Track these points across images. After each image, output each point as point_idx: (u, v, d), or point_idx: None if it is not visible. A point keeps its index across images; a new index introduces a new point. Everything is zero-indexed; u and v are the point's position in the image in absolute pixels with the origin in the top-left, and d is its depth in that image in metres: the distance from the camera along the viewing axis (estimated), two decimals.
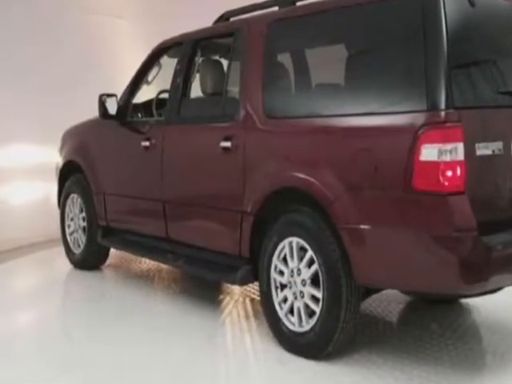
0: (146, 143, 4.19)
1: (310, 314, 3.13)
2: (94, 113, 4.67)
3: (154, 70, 4.49)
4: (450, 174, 2.63)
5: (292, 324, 3.22)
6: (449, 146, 2.64)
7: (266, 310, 3.38)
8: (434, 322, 3.71)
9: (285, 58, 3.72)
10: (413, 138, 2.69)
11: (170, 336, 3.55)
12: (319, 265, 3.04)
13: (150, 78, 4.53)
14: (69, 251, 5.17)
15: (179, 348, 3.37)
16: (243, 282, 3.58)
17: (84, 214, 4.96)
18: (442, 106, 2.66)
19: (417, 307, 4.03)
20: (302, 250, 3.16)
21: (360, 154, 2.88)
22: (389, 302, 4.02)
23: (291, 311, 3.22)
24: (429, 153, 2.65)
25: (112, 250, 5.05)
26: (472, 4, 2.85)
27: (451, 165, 2.64)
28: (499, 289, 3.37)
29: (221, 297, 4.29)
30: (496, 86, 2.93)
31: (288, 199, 3.26)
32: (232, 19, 4.06)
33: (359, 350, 3.22)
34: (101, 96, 4.47)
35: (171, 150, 4.04)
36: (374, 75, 2.96)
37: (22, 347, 3.55)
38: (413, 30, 2.80)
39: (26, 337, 3.75)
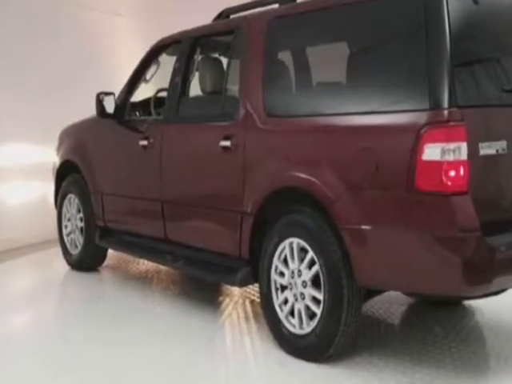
0: (145, 142, 4.17)
1: (311, 315, 3.11)
2: (91, 111, 4.63)
3: (153, 68, 4.47)
4: (453, 173, 2.61)
5: (292, 326, 3.19)
6: (452, 146, 2.61)
7: (266, 312, 3.36)
8: (437, 324, 3.69)
9: (285, 56, 3.70)
10: (415, 137, 2.66)
11: (168, 338, 3.53)
12: (320, 266, 3.02)
13: (148, 76, 4.50)
14: (66, 252, 5.13)
15: (178, 350, 3.35)
16: (243, 284, 3.55)
17: (81, 215, 4.93)
18: (445, 104, 2.63)
19: (419, 309, 4.00)
20: (303, 250, 3.14)
21: (362, 154, 2.85)
22: (391, 304, 4.00)
23: (292, 313, 3.20)
24: (431, 152, 2.63)
25: (110, 251, 5.02)
26: (475, 1, 2.83)
27: (454, 164, 2.61)
28: (503, 290, 3.36)
29: (220, 298, 4.26)
30: (500, 84, 2.91)
31: (288, 199, 3.24)
32: (232, 16, 4.03)
33: (360, 353, 3.20)
34: (98, 94, 4.44)
35: (170, 150, 4.01)
36: (376, 73, 2.94)
37: (18, 349, 3.53)
38: (415, 27, 2.78)
39: (22, 338, 3.73)
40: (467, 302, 3.94)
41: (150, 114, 4.50)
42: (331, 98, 3.18)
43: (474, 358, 3.17)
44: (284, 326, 3.22)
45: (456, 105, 2.63)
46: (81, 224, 4.94)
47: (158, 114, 4.38)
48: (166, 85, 4.21)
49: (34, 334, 3.78)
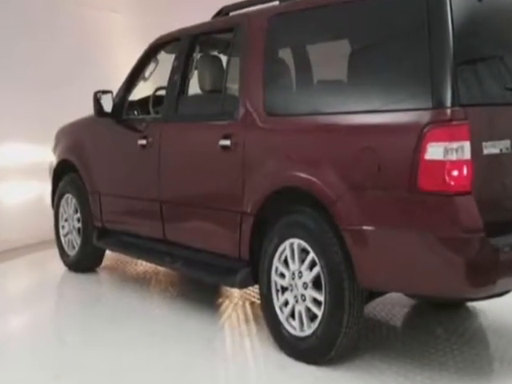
0: (143, 141, 4.13)
1: (312, 317, 3.08)
2: (89, 110, 4.59)
3: (151, 66, 4.44)
4: (456, 173, 2.59)
5: (293, 328, 3.16)
6: (455, 145, 2.59)
7: (267, 314, 3.33)
8: (440, 326, 3.66)
9: (286, 54, 3.67)
10: (418, 136, 2.63)
11: (167, 340, 3.50)
12: (321, 267, 2.99)
13: (146, 74, 4.47)
14: (63, 253, 5.09)
15: (177, 352, 3.32)
16: (243, 285, 3.53)
17: (79, 215, 4.89)
18: (448, 103, 2.60)
19: (422, 311, 3.98)
20: (304, 251, 3.11)
21: (363, 153, 2.82)
22: (393, 306, 3.97)
23: (292, 315, 3.17)
24: (434, 151, 2.60)
25: (107, 252, 4.99)
26: None
27: (457, 164, 2.59)
28: (506, 292, 3.35)
29: (220, 300, 4.24)
30: (503, 82, 2.88)
31: (289, 199, 3.21)
32: (231, 14, 4.00)
33: (362, 355, 3.17)
34: (96, 93, 4.41)
35: (168, 149, 3.97)
36: (378, 72, 2.92)
37: (15, 350, 3.51)
38: (418, 24, 2.75)
39: (19, 340, 3.70)
40: (470, 304, 3.91)
41: (148, 112, 4.47)
42: (332, 96, 3.15)
43: (477, 360, 3.14)
44: (284, 328, 3.19)
45: (459, 103, 2.60)
46: (78, 224, 4.91)
47: (157, 112, 4.35)
48: (164, 83, 4.17)
49: (31, 335, 3.76)
